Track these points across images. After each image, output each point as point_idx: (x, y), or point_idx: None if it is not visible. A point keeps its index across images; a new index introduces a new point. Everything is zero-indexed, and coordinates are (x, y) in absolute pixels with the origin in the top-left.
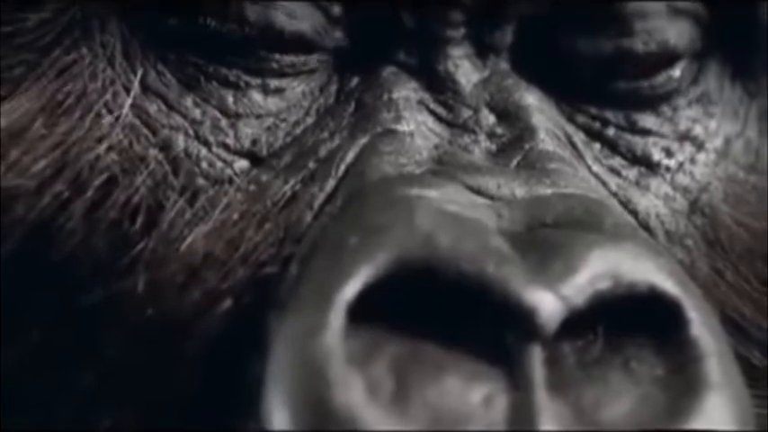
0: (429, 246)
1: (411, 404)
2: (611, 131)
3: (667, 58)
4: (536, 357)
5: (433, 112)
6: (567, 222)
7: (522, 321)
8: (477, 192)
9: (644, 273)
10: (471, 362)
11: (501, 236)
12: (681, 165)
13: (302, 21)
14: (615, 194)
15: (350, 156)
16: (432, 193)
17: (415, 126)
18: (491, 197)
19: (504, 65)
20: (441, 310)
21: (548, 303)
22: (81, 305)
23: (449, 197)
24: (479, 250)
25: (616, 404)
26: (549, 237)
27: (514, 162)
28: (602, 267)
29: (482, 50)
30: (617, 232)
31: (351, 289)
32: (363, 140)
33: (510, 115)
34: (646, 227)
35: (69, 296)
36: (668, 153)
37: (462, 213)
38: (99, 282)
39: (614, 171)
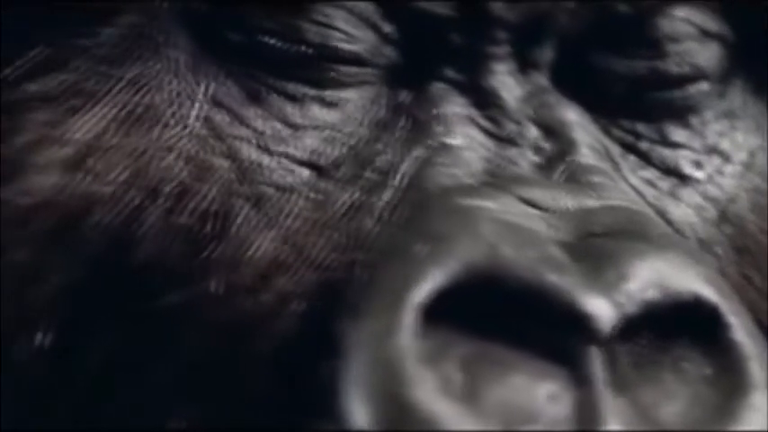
0: (493, 254)
1: (481, 400)
2: (644, 144)
3: (697, 77)
4: (596, 359)
5: (480, 127)
6: (614, 233)
7: (581, 326)
8: (529, 203)
9: (688, 282)
10: (535, 362)
11: (556, 245)
12: (710, 176)
13: (357, 40)
14: (652, 205)
15: (407, 167)
16: (490, 204)
17: (465, 140)
18: (542, 209)
19: (544, 81)
20: (504, 315)
21: (604, 310)
22: (157, 307)
23: (505, 208)
24: (540, 259)
25: (671, 403)
26: (599, 246)
27: (559, 174)
28: (650, 276)
29: (524, 67)
30: (661, 242)
31: (422, 293)
32: (418, 153)
33: (552, 130)
34: (680, 235)
35: (146, 299)
36: (698, 165)
37: (520, 224)
38: (175, 285)
39: (649, 182)
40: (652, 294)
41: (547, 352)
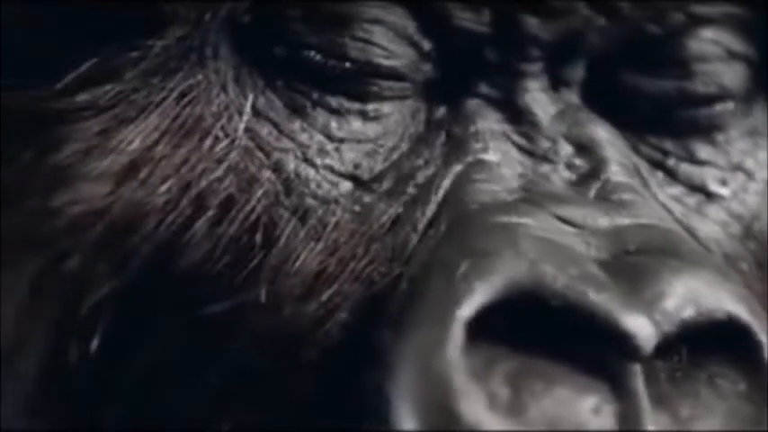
0: (535, 272)
1: (528, 412)
2: (671, 161)
3: (723, 96)
4: (637, 374)
5: (515, 143)
6: (648, 250)
7: (623, 343)
8: (565, 221)
9: (720, 300)
10: (578, 377)
11: (594, 263)
12: (735, 193)
13: (397, 56)
14: (679, 221)
15: (446, 183)
16: (529, 221)
17: (501, 156)
18: (577, 226)
19: (575, 98)
20: (546, 330)
21: (645, 328)
22: (205, 315)
23: (543, 225)
24: (581, 277)
25: (709, 417)
26: (634, 264)
27: (592, 192)
28: (685, 295)
29: (556, 84)
30: (694, 260)
31: (468, 309)
32: (457, 169)
33: (584, 147)
34: (708, 251)
35: (195, 307)
36: (723, 182)
37: (558, 241)
38: (223, 293)
39: (676, 199)
40: (687, 312)
41: (589, 367)
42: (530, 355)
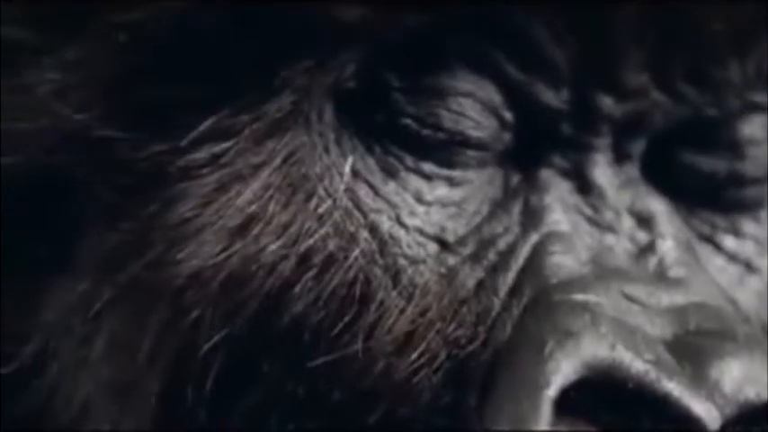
0: (614, 355)
1: None
2: (719, 235)
3: None
4: None
5: (583, 214)
6: (706, 332)
7: (692, 425)
8: (630, 299)
9: None
10: None
11: (662, 345)
12: None
13: (484, 128)
14: (724, 291)
15: (525, 252)
16: (603, 300)
17: (572, 227)
18: (641, 304)
19: (635, 172)
20: (620, 409)
21: (710, 411)
22: (307, 365)
23: (615, 304)
24: (654, 362)
25: None
26: (696, 346)
27: (651, 265)
28: (743, 377)
29: (620, 158)
30: (748, 342)
31: (555, 386)
32: (534, 238)
33: (643, 219)
34: (747, 320)
35: (297, 356)
36: (761, 255)
37: (630, 323)
38: (323, 345)
39: (722, 269)
40: (746, 396)
41: None
42: (609, 430)
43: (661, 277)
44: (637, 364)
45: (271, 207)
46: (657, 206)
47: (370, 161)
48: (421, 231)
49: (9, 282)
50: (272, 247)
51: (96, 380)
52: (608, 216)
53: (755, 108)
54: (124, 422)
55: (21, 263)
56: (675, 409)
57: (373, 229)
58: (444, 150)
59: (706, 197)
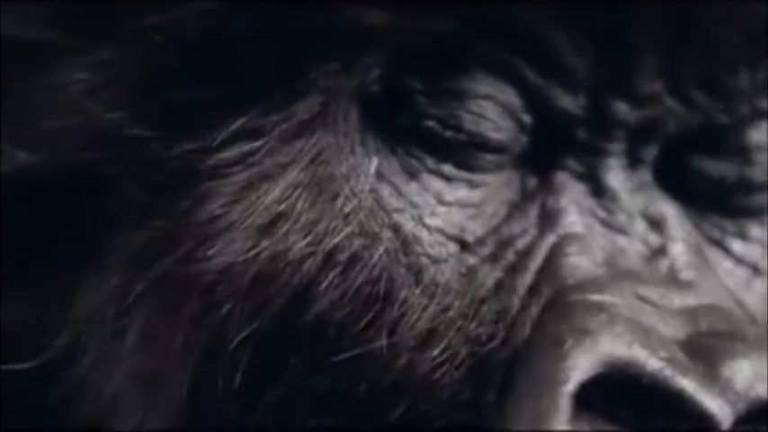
0: (631, 353)
1: None
2: (727, 239)
3: None
4: None
5: (597, 217)
6: (717, 333)
7: (706, 421)
8: (645, 300)
9: None
10: None
11: (676, 345)
12: None
13: (503, 130)
14: (732, 294)
15: (542, 252)
16: (618, 301)
17: (587, 229)
18: (655, 305)
19: (647, 176)
20: (635, 406)
21: (723, 408)
22: (331, 360)
23: (629, 304)
24: (669, 360)
25: None
26: (707, 346)
27: (662, 267)
28: (755, 377)
29: (633, 163)
30: (757, 343)
31: (573, 382)
32: (551, 240)
33: (655, 223)
34: (754, 321)
35: (322, 351)
36: (766, 258)
37: (645, 323)
38: (347, 341)
39: (729, 273)
40: (756, 393)
41: None
42: (625, 427)
43: (672, 279)
44: (652, 362)
45: (298, 206)
46: (669, 210)
47: (394, 162)
48: (442, 231)
49: (41, 277)
50: (299, 244)
51: (126, 373)
52: (621, 219)
53: (764, 115)
54: (153, 415)
55: (53, 258)
56: (689, 406)
57: (396, 229)
58: (464, 152)
59: (715, 202)
